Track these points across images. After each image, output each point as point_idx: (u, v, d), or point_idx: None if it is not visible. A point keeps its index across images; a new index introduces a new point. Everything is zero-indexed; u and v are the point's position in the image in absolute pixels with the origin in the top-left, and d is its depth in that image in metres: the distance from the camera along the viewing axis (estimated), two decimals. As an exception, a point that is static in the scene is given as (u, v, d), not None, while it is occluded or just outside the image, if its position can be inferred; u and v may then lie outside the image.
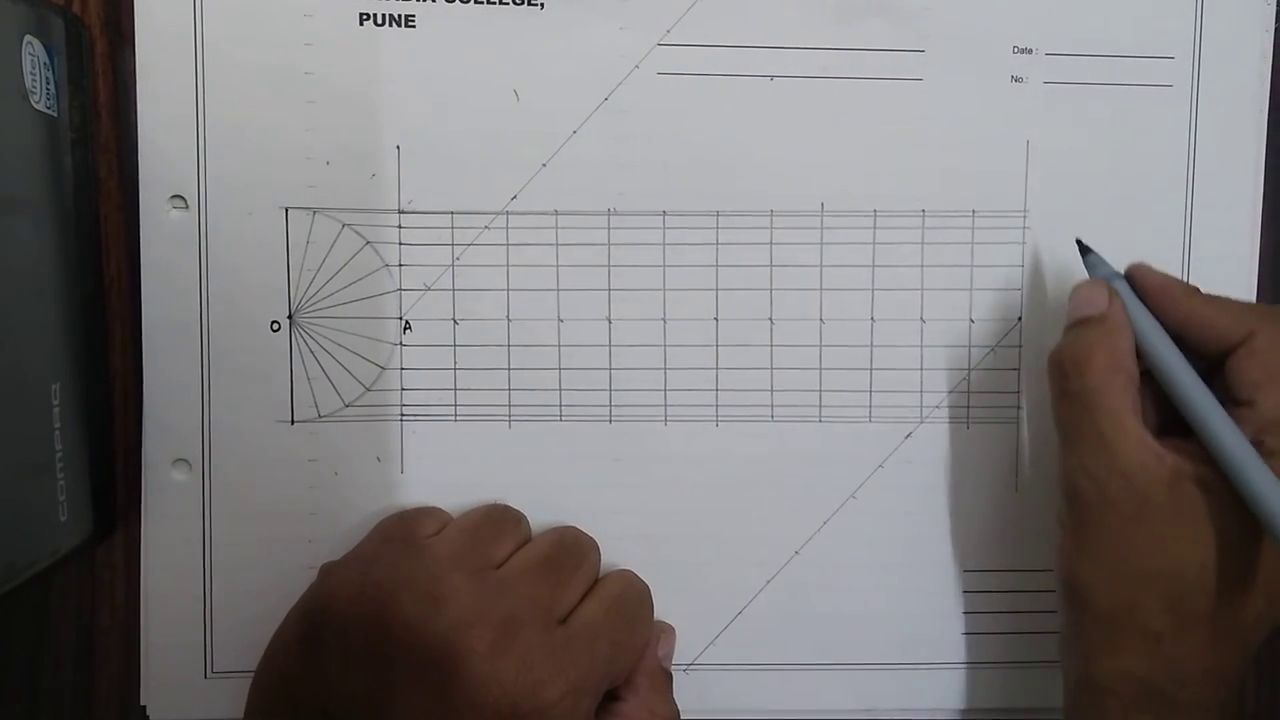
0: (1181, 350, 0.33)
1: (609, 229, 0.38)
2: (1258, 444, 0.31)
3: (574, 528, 0.37)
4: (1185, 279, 0.38)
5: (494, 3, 0.37)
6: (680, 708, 0.36)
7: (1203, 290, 0.34)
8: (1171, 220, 0.39)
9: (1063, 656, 0.36)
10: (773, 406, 0.38)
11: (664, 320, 0.38)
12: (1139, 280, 0.34)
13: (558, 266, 0.38)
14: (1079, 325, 0.34)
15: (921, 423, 0.39)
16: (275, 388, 0.37)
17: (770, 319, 0.38)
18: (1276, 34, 0.39)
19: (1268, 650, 0.41)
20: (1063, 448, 0.34)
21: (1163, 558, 0.32)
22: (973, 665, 0.40)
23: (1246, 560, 0.32)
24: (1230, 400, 0.33)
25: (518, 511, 0.37)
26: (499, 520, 0.35)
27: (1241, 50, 0.38)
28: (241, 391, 0.37)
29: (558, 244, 0.38)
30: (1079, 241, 0.36)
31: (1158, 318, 0.34)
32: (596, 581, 0.36)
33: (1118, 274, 0.35)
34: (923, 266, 0.38)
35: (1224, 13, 0.38)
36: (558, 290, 0.38)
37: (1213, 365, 0.33)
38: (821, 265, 0.38)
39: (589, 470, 0.38)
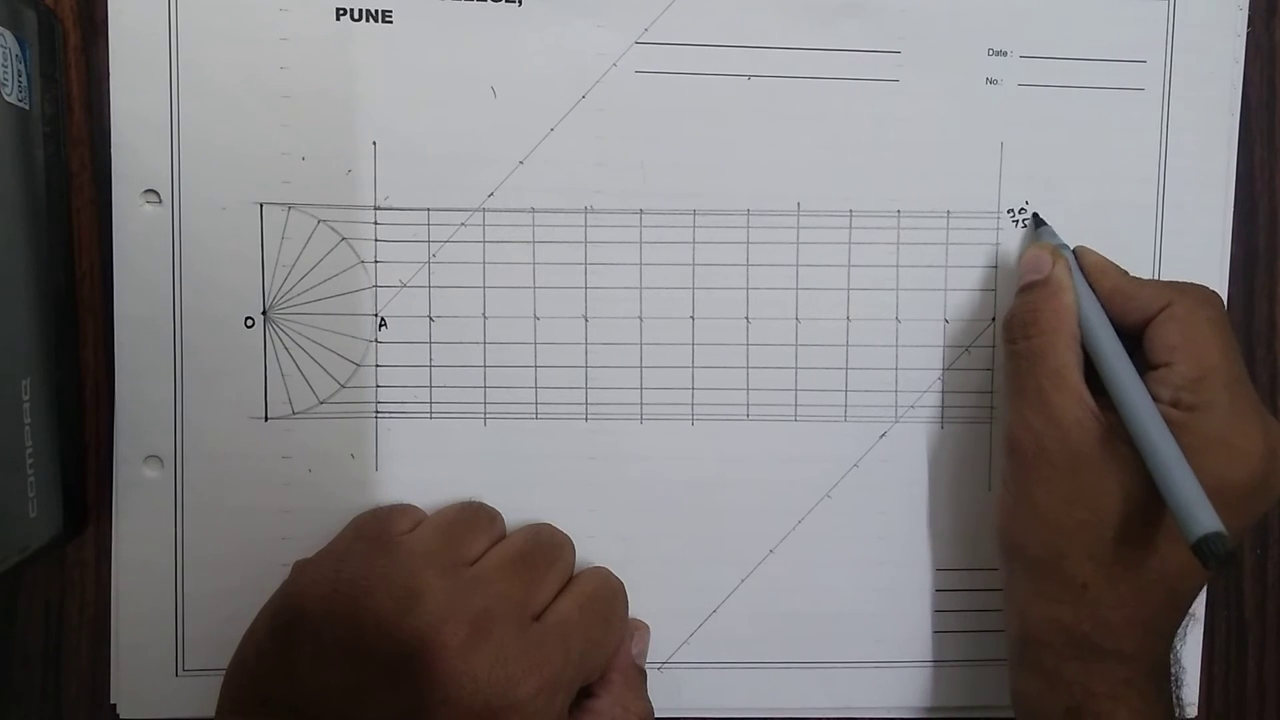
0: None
1: (586, 227, 0.38)
2: (1176, 402, 0.33)
3: (549, 525, 0.37)
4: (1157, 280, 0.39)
5: (471, -1, 0.37)
6: (654, 706, 0.36)
7: None
8: (1143, 222, 0.39)
9: (1004, 616, 0.37)
10: (748, 405, 0.39)
11: (640, 319, 0.38)
12: (1079, 256, 0.36)
13: (534, 264, 0.38)
14: (1026, 289, 0.36)
15: (896, 422, 0.39)
16: (249, 384, 0.37)
17: (746, 318, 0.38)
18: (1248, 38, 0.39)
19: (1235, 650, 0.41)
20: (1008, 404, 0.36)
21: (1087, 509, 0.33)
22: (946, 664, 0.40)
23: (1170, 515, 0.32)
24: (1150, 365, 0.34)
25: (492, 509, 0.37)
26: (473, 517, 0.35)
27: (1213, 54, 0.39)
28: (214, 388, 0.37)
29: (534, 242, 0.37)
30: (1035, 215, 0.38)
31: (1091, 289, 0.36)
32: (571, 579, 0.36)
33: (1065, 245, 0.37)
34: (898, 267, 0.39)
35: (1196, 17, 0.39)
36: (534, 288, 0.38)
37: (1135, 339, 0.35)
38: (797, 265, 0.38)
39: (564, 468, 0.38)
